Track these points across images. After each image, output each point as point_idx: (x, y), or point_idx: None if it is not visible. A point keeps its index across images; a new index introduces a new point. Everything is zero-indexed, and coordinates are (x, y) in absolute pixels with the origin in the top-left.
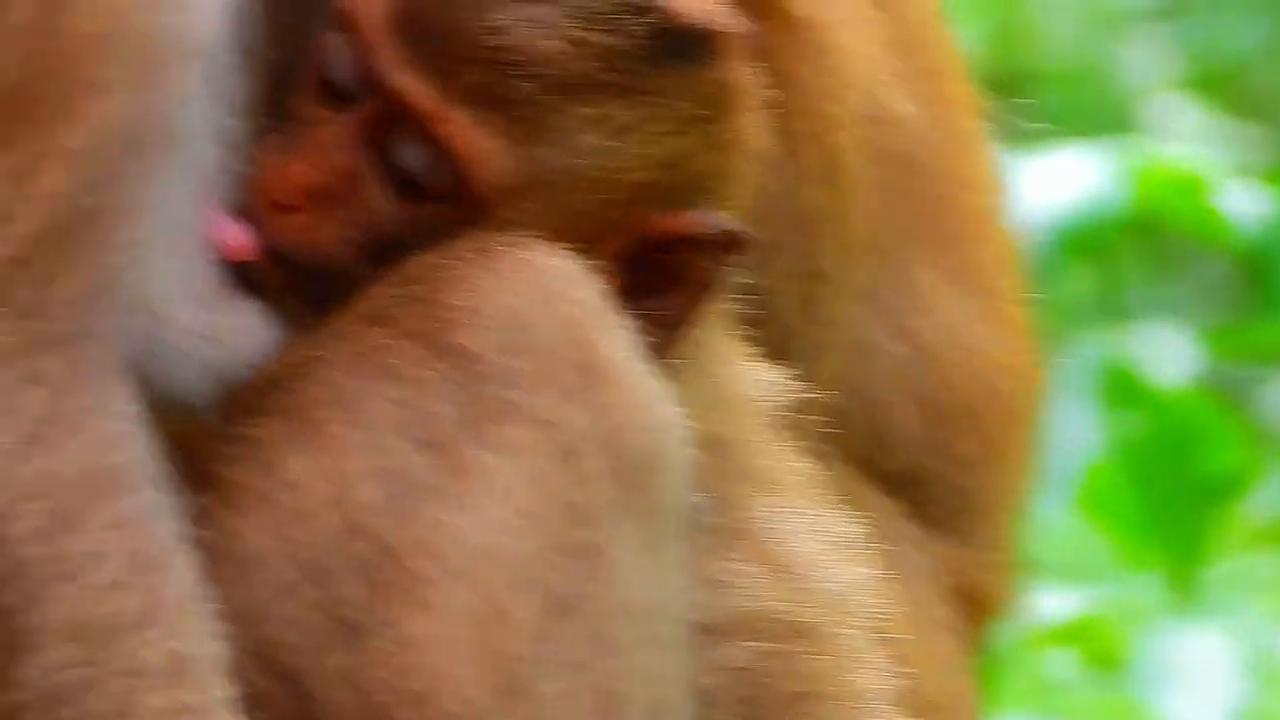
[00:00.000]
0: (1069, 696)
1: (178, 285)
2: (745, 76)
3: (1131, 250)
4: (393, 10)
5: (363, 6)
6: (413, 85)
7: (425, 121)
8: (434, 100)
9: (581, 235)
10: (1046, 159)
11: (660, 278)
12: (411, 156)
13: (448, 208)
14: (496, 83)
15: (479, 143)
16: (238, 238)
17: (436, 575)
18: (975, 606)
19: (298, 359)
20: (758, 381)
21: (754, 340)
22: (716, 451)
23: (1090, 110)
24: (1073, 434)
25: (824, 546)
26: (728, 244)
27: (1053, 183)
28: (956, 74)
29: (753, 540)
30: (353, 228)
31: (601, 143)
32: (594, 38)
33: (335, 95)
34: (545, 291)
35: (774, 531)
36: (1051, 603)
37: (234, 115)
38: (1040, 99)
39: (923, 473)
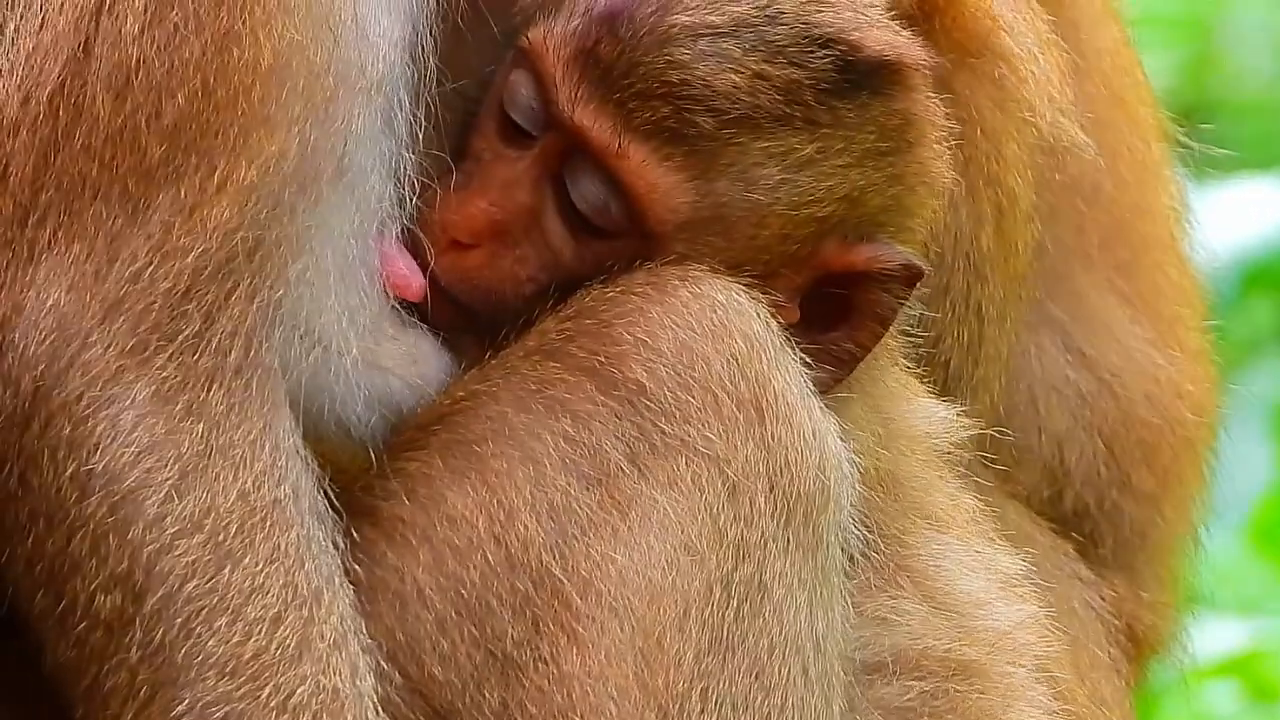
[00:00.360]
0: None
1: (345, 319)
2: (930, 109)
3: None
4: (575, 47)
5: (545, 44)
6: (592, 120)
7: (603, 156)
8: (612, 135)
9: (758, 270)
10: (1229, 190)
11: (836, 311)
12: (589, 192)
13: (624, 244)
14: (675, 118)
15: (656, 178)
16: (407, 276)
17: (598, 612)
18: (1140, 644)
19: (463, 394)
20: (928, 417)
21: (922, 376)
22: (885, 487)
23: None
24: (1244, 467)
25: (990, 584)
26: (906, 279)
27: (1235, 214)
28: (1140, 102)
29: (918, 577)
30: (529, 265)
31: (782, 176)
32: (776, 71)
33: (516, 132)
34: (717, 325)
35: (940, 569)
36: (1215, 635)
37: (406, 150)
38: (1230, 129)
39: (1097, 509)
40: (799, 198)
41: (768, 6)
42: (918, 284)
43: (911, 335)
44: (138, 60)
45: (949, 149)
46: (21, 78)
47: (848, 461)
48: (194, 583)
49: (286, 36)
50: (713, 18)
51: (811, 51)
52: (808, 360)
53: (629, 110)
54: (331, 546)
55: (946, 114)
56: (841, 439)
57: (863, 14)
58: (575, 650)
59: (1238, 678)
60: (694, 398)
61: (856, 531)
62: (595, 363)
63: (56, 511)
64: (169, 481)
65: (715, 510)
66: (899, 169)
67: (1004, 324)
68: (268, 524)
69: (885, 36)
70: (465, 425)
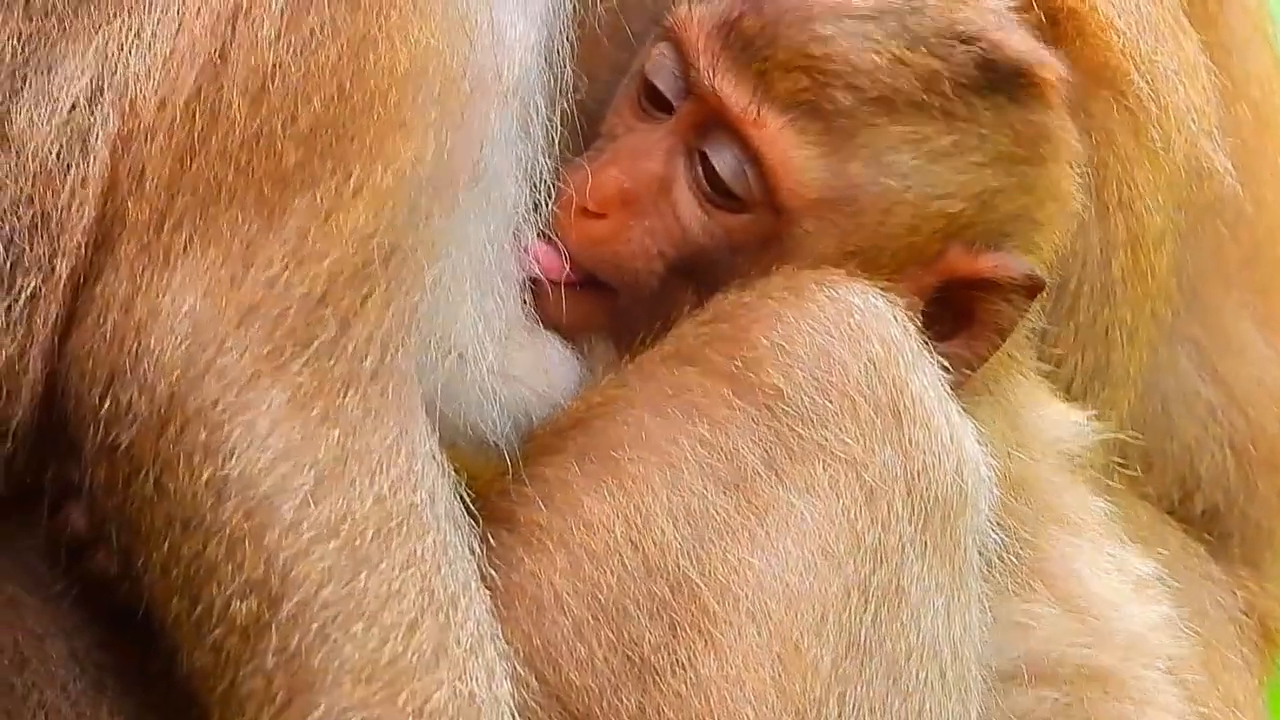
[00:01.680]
0: None
1: (481, 323)
2: (1067, 129)
3: None
4: (719, 19)
5: (690, 17)
6: (731, 89)
7: (740, 125)
8: (751, 104)
9: (885, 264)
10: None
11: (956, 319)
12: (724, 161)
13: (754, 219)
14: (814, 90)
15: (792, 149)
16: (549, 258)
17: (735, 616)
18: (1272, 641)
19: (600, 399)
20: (1058, 422)
21: (1051, 385)
22: (1016, 491)
23: None
24: None
25: (1123, 586)
26: (1028, 290)
27: None
28: None
29: (1052, 580)
30: (657, 238)
31: (915, 164)
32: (916, 59)
33: (652, 104)
34: (854, 329)
35: (1074, 571)
36: None
37: (542, 154)
38: None
39: (1226, 511)
40: (931, 189)
41: None
42: (1039, 296)
43: (1038, 354)
44: (274, 65)
45: (1083, 172)
46: (158, 82)
47: (985, 465)
48: (330, 588)
49: (423, 41)
50: (857, 1)
51: (953, 45)
52: (945, 365)
53: (769, 80)
54: (468, 552)
55: (1086, 140)
56: (980, 443)
57: (1005, 20)
58: (712, 655)
59: None
60: (831, 402)
61: (994, 535)
62: (732, 367)
63: (193, 517)
64: (305, 487)
65: (853, 514)
66: (1031, 180)
67: (1134, 346)
68: (404, 529)
69: (1027, 44)
70: (602, 431)
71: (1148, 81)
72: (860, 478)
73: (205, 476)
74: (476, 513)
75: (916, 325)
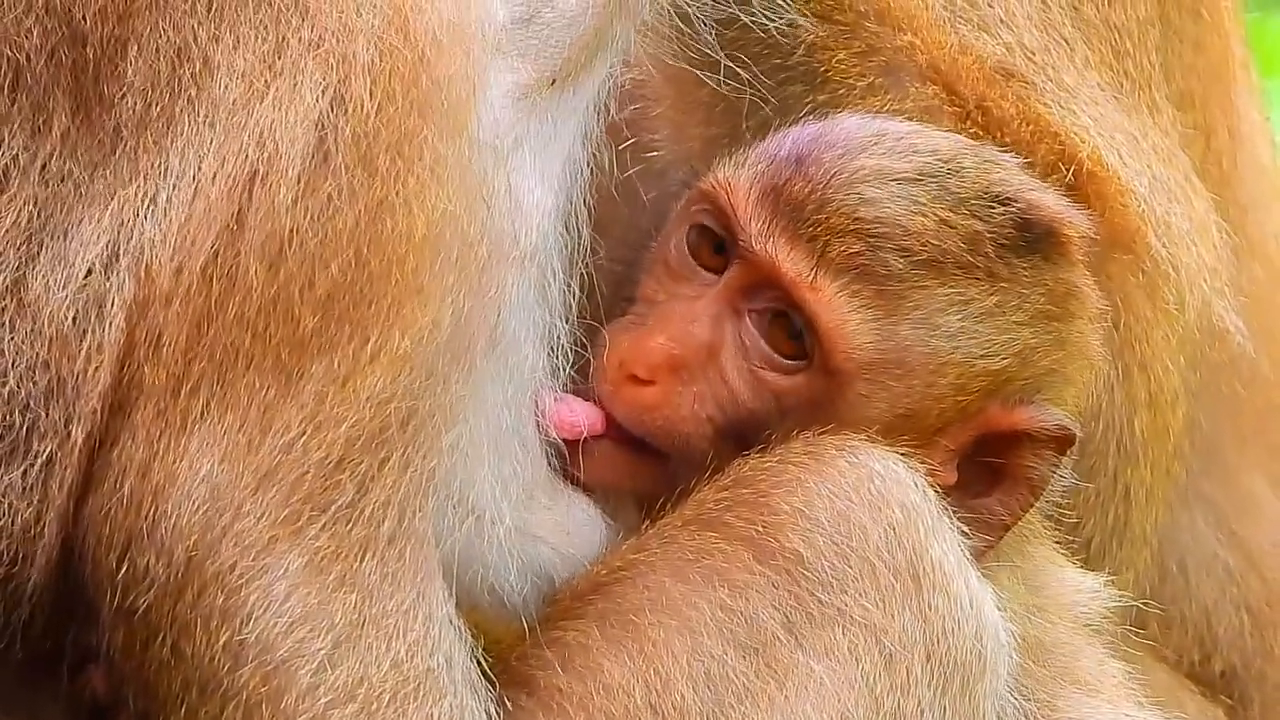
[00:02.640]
0: None
1: (499, 488)
2: (1090, 285)
3: None
4: (765, 185)
5: (731, 183)
6: (785, 254)
7: (793, 289)
8: (804, 268)
9: (928, 426)
10: None
11: (990, 476)
12: (776, 326)
13: (802, 381)
14: (867, 255)
15: (845, 312)
16: (582, 416)
17: None
18: None
19: (620, 563)
20: (1075, 587)
21: (1067, 547)
22: (1034, 654)
23: None
24: None
25: None
26: (1060, 444)
27: None
28: None
29: None
30: (707, 404)
31: (962, 324)
32: (960, 220)
33: (693, 272)
34: (874, 495)
35: None
36: None
37: (560, 319)
38: None
39: (1244, 672)
40: (977, 349)
41: (950, 160)
42: (1070, 450)
43: (1057, 514)
44: (291, 231)
45: (1105, 328)
46: (174, 248)
47: (1004, 630)
48: None
49: (440, 207)
50: (899, 164)
51: (992, 207)
52: (964, 528)
53: (822, 244)
54: (485, 716)
55: (1105, 301)
56: (998, 607)
57: (1034, 181)
58: None
59: None
60: (851, 567)
61: (1012, 700)
62: (753, 532)
63: (210, 681)
64: (322, 652)
65: (872, 679)
66: (1063, 335)
67: (1151, 505)
68: (421, 694)
69: (1058, 203)
70: (622, 595)
71: (1163, 244)
72: (879, 642)
73: (222, 641)
74: (495, 677)
75: (942, 485)
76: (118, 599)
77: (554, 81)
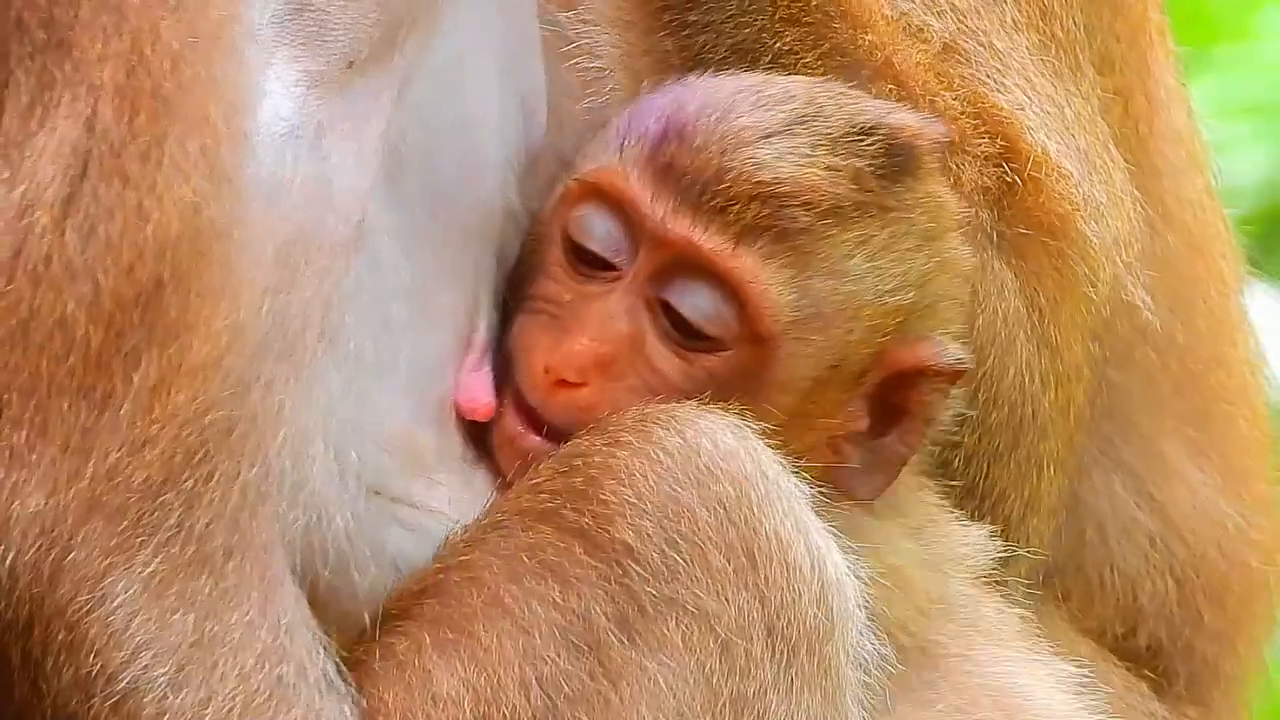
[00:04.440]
0: None
1: (338, 483)
2: (949, 191)
3: None
4: (653, 165)
5: (612, 172)
6: (696, 230)
7: (714, 262)
8: (720, 240)
9: (852, 373)
10: None
11: (889, 414)
12: (697, 304)
13: (734, 354)
14: (775, 215)
15: (766, 278)
16: (478, 400)
17: None
18: None
19: (453, 561)
20: (962, 539)
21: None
22: (939, 609)
23: None
24: None
25: (1066, 695)
26: (953, 376)
27: None
28: (1221, 255)
29: (997, 694)
30: (639, 393)
31: (868, 265)
32: (841, 162)
33: (593, 267)
34: (702, 471)
35: (1017, 686)
36: None
37: (398, 299)
38: None
39: (1170, 645)
40: (883, 284)
41: (810, 102)
42: (962, 380)
43: (967, 489)
44: (60, 252)
45: (1030, 318)
46: None
47: (850, 580)
48: None
49: (192, 201)
50: (770, 117)
51: (861, 139)
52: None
53: (731, 214)
54: (341, 716)
55: (1014, 277)
56: (842, 559)
57: (881, 101)
58: None
59: None
60: (681, 554)
61: (870, 644)
62: (584, 524)
63: (64, 715)
64: (164, 676)
65: (708, 669)
66: (943, 254)
67: (1060, 476)
68: (272, 704)
69: (913, 119)
70: (455, 597)
71: (1090, 223)
72: (713, 630)
73: (69, 675)
74: (349, 675)
75: (856, 433)
76: None
77: (351, 64)
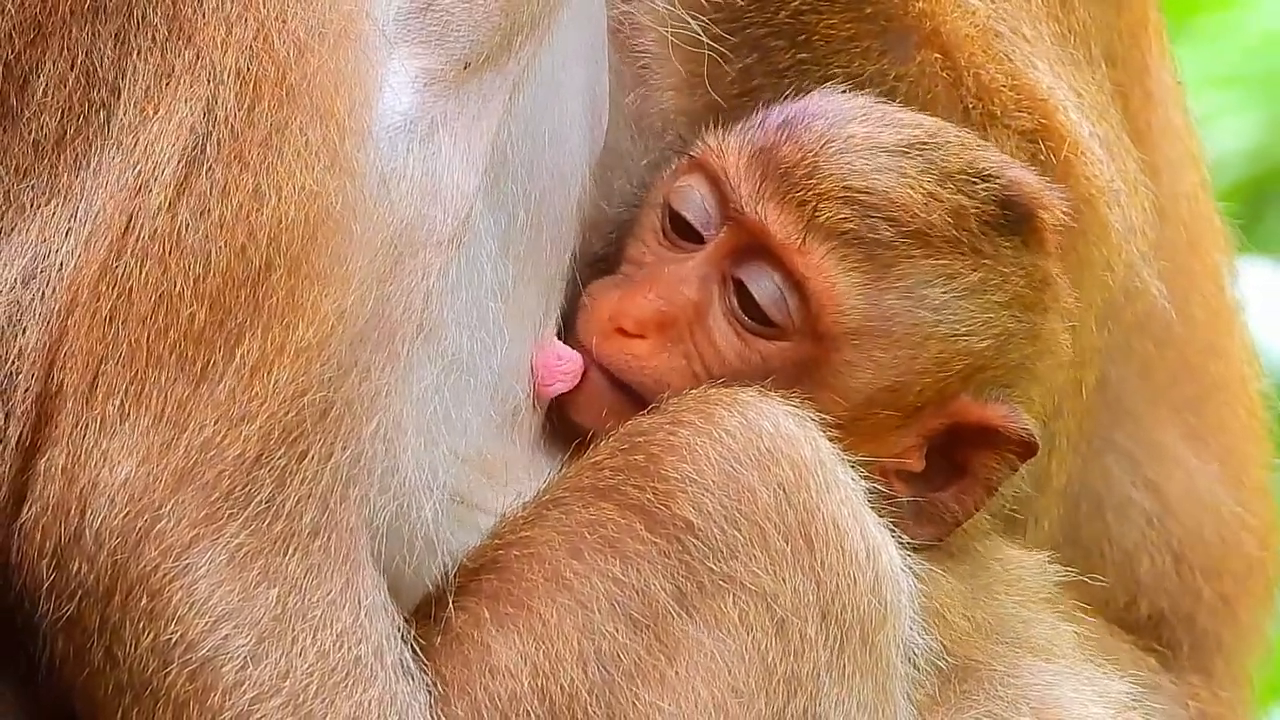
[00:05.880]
0: None
1: (426, 473)
2: (1064, 280)
3: None
4: (755, 149)
5: (722, 149)
6: (775, 217)
7: (784, 253)
8: (794, 233)
9: (907, 403)
10: None
11: (950, 470)
12: (764, 289)
13: (792, 346)
14: (855, 221)
15: (834, 276)
16: (560, 371)
17: None
18: None
19: (514, 536)
20: (1018, 563)
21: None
22: (989, 632)
23: None
24: None
25: (1105, 711)
26: (1022, 450)
27: None
28: (1215, 247)
29: (1038, 706)
30: (693, 360)
31: (947, 298)
32: (946, 194)
33: (681, 235)
34: (763, 454)
35: (1057, 699)
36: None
37: (495, 299)
38: None
39: (1172, 614)
40: (959, 325)
41: (935, 135)
42: (1031, 460)
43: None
44: (172, 230)
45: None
46: (80, 259)
47: (904, 573)
48: None
49: (312, 190)
50: (887, 135)
51: (975, 182)
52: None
53: (812, 209)
54: (415, 701)
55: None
56: (896, 553)
57: (1013, 161)
58: None
59: None
60: (741, 533)
61: (920, 640)
62: (645, 500)
63: (140, 683)
64: (245, 648)
65: (763, 648)
66: (1038, 327)
67: (1067, 456)
68: (349, 683)
69: (1038, 184)
70: (516, 571)
71: (1109, 206)
72: (770, 609)
73: (149, 642)
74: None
75: (903, 470)
76: (52, 607)
77: (467, 65)
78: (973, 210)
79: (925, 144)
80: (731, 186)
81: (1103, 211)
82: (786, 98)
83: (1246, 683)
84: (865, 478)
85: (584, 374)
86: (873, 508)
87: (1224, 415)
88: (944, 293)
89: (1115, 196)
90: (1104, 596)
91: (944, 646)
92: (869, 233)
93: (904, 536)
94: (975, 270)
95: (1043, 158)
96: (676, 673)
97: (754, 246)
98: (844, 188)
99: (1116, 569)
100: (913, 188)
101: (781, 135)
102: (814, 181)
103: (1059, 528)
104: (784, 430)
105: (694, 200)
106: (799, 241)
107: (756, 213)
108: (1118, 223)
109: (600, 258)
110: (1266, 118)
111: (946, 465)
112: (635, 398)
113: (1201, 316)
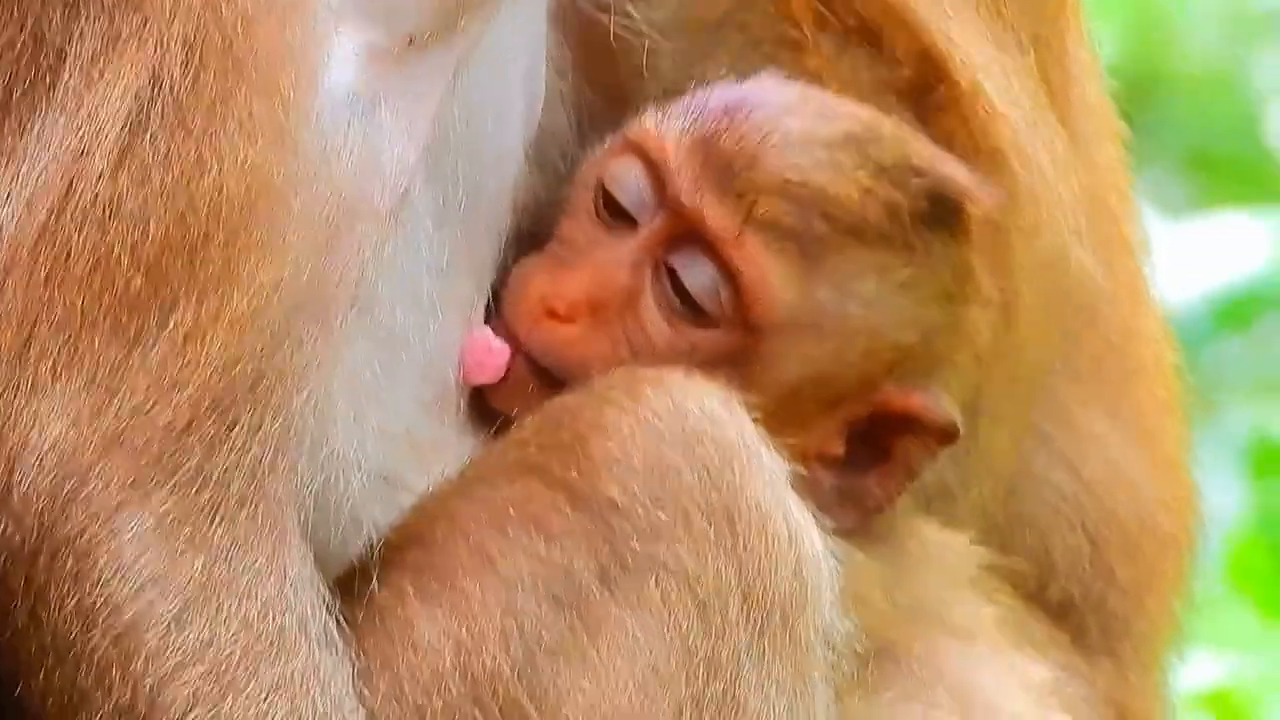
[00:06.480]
0: None
1: (355, 445)
2: (984, 270)
3: None
4: (694, 137)
5: (659, 133)
6: (712, 208)
7: (719, 244)
8: (731, 225)
9: (832, 394)
10: (1201, 225)
11: (873, 454)
12: (697, 277)
13: (721, 335)
14: (793, 216)
15: (768, 268)
16: (488, 357)
17: None
18: None
19: (438, 510)
20: (941, 545)
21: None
22: (909, 614)
23: (1221, 118)
24: (1218, 504)
25: (1026, 697)
26: (943, 436)
27: (1204, 251)
28: (1131, 220)
29: (955, 690)
30: (621, 348)
31: (878, 293)
32: (880, 190)
33: (615, 218)
34: (689, 434)
35: (977, 684)
36: (1192, 671)
37: (429, 273)
38: (1174, 105)
39: (1082, 600)
40: (888, 319)
41: (871, 126)
42: (951, 444)
43: None
44: (112, 195)
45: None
46: (20, 220)
47: (826, 558)
48: (195, 713)
49: (255, 162)
50: (824, 128)
51: (909, 177)
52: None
53: (749, 201)
54: (339, 673)
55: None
56: (820, 536)
57: (946, 155)
58: None
59: (1213, 713)
60: (665, 514)
61: (840, 624)
62: (570, 478)
63: (63, 645)
64: (169, 614)
65: (685, 629)
66: (957, 319)
67: (999, 424)
68: (273, 653)
69: (970, 180)
70: (440, 546)
71: (1029, 174)
72: (692, 590)
73: (73, 604)
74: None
75: (828, 456)
76: None
77: (412, 41)
78: (906, 206)
79: (861, 137)
80: (670, 173)
81: (1013, 169)
82: (721, 79)
83: (1157, 667)
84: (788, 462)
85: (509, 360)
86: (795, 492)
87: (1141, 393)
88: (875, 287)
89: (1037, 168)
90: (1019, 578)
91: (864, 628)
92: (804, 227)
93: (826, 521)
94: (907, 265)
95: (942, 100)
96: (598, 652)
97: (689, 235)
98: (782, 181)
99: (1031, 550)
100: (849, 182)
101: (722, 125)
102: (752, 174)
103: (979, 509)
104: (710, 412)
105: (629, 183)
106: (735, 233)
107: (695, 202)
108: (1043, 192)
109: (527, 235)
110: (1128, 27)
111: (868, 451)
112: (558, 385)
113: (1123, 294)
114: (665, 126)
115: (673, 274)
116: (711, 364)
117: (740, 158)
